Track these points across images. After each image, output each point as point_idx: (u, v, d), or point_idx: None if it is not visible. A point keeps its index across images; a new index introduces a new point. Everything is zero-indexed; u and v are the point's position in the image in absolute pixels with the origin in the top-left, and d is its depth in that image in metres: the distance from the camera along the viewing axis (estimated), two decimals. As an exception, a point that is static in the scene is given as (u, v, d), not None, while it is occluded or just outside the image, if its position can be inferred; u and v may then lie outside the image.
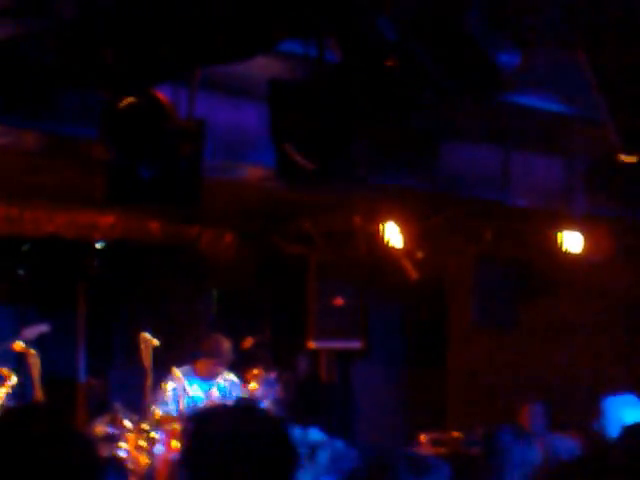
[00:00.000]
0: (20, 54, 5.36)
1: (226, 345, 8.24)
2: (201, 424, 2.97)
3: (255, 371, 8.49)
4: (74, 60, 5.00)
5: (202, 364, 8.23)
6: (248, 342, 8.97)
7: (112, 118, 5.21)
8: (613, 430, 4.81)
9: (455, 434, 9.01)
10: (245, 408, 3.17)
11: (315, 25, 5.14)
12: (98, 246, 9.09)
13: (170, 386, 8.16)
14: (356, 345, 9.96)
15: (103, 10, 4.81)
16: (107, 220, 8.75)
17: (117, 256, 9.34)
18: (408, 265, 9.53)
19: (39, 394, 7.23)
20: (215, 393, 8.24)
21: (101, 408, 8.43)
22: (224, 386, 8.28)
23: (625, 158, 5.40)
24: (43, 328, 7.82)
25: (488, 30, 5.22)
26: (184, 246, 9.32)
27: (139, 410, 8.00)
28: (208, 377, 8.24)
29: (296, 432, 6.09)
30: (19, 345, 7.47)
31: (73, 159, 7.23)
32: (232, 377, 8.33)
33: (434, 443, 8.82)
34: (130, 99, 5.14)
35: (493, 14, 5.16)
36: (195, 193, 5.70)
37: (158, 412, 7.95)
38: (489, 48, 5.21)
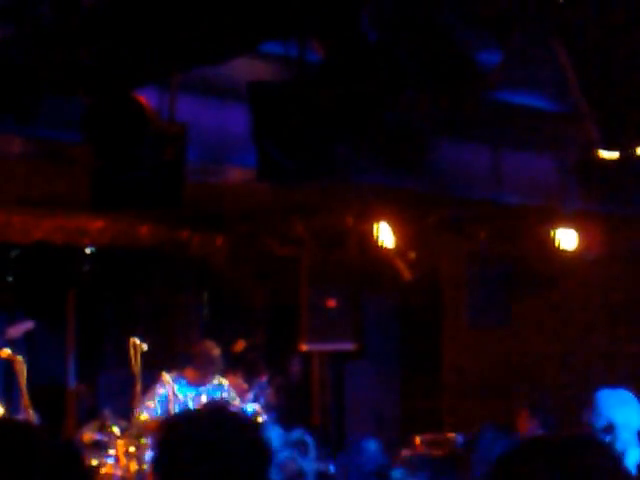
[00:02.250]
0: (2, 58, 5.30)
1: (216, 351, 8.18)
2: (171, 429, 2.96)
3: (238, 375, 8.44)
4: (53, 64, 4.95)
5: (192, 370, 8.18)
6: (240, 345, 8.92)
7: (94, 122, 5.17)
8: (602, 424, 4.78)
9: (450, 435, 8.96)
10: (215, 411, 3.14)
11: (296, 25, 5.09)
12: (87, 251, 9.04)
13: (159, 391, 8.11)
14: (349, 347, 9.90)
15: (82, 14, 4.76)
16: (96, 225, 8.69)
17: (107, 261, 9.29)
18: (401, 265, 9.48)
19: (26, 401, 7.17)
20: (205, 399, 8.18)
21: (90, 414, 8.38)
22: (214, 392, 8.22)
23: (605, 154, 5.36)
24: (28, 325, 7.75)
25: (467, 28, 5.17)
26: (174, 250, 9.27)
27: (128, 416, 7.94)
28: (198, 383, 8.18)
29: (282, 434, 6.06)
30: (5, 352, 7.41)
31: (60, 164, 7.19)
32: (223, 382, 8.27)
33: (429, 444, 8.76)
34: (111, 103, 5.09)
35: (471, 12, 5.12)
36: (177, 196, 5.66)
37: (145, 416, 7.89)
38: (468, 46, 5.17)
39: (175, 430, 2.94)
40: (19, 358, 7.26)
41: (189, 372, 8.16)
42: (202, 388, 8.16)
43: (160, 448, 2.95)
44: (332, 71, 5.14)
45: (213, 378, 8.16)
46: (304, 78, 5.18)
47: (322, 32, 5.07)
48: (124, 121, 5.22)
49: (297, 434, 6.27)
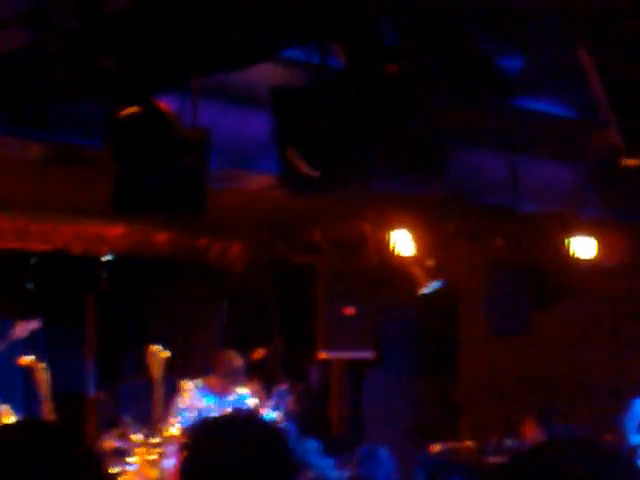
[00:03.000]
0: (24, 65, 5.33)
1: (238, 361, 8.17)
2: (197, 435, 2.97)
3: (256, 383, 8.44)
4: (77, 70, 4.97)
5: (214, 380, 8.16)
6: (259, 353, 8.91)
7: (116, 128, 5.18)
8: (632, 429, 4.79)
9: (468, 443, 8.93)
10: (241, 418, 3.15)
11: (318, 31, 5.10)
12: (106, 258, 9.04)
13: (181, 398, 8.11)
14: (367, 355, 9.89)
15: (105, 20, 4.78)
16: (114, 232, 8.70)
17: (125, 268, 9.29)
18: (419, 273, 9.47)
19: (48, 408, 7.17)
20: (228, 408, 8.16)
21: (110, 422, 8.38)
22: (237, 401, 8.21)
23: (628, 161, 5.35)
24: (34, 324, 7.71)
25: (489, 34, 5.18)
26: (192, 258, 9.26)
27: (149, 424, 7.94)
28: (221, 393, 8.17)
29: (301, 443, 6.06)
30: (27, 359, 7.42)
31: (78, 170, 7.21)
32: (245, 391, 8.26)
33: (448, 452, 8.74)
34: (133, 109, 5.11)
35: (495, 18, 5.12)
36: (200, 202, 5.67)
37: (167, 426, 7.90)
38: (490, 51, 5.17)
39: (202, 436, 2.95)
40: (41, 365, 7.27)
41: (212, 381, 8.15)
42: (226, 398, 8.15)
43: (186, 454, 2.96)
44: (354, 77, 5.15)
45: (236, 388, 8.15)
46: (326, 84, 5.19)
47: (343, 38, 5.08)
48: (146, 127, 5.23)
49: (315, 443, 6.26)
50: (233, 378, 8.09)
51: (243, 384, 8.20)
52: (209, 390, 8.13)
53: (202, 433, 2.97)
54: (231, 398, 8.15)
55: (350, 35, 5.16)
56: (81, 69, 4.96)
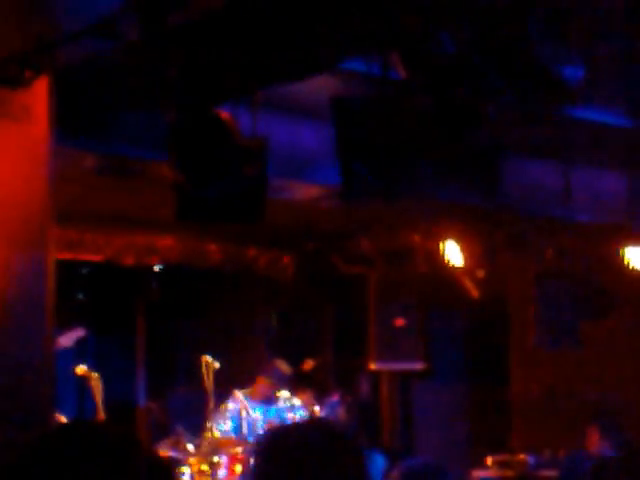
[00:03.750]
0: (86, 76, 5.35)
1: (284, 368, 8.16)
2: (273, 442, 2.94)
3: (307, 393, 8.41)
4: (139, 80, 4.98)
5: (260, 387, 8.16)
6: (309, 364, 8.88)
7: (178, 138, 5.18)
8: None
9: (521, 456, 8.83)
10: (317, 424, 3.14)
11: (377, 42, 5.07)
12: (157, 269, 9.05)
13: (230, 408, 8.10)
14: (418, 366, 9.82)
15: (168, 32, 4.77)
16: (165, 243, 8.71)
17: (176, 279, 9.29)
18: (469, 284, 9.39)
19: (102, 418, 7.16)
20: (274, 416, 8.15)
21: (161, 432, 8.37)
22: (282, 409, 8.19)
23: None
24: (79, 333, 7.69)
25: (551, 43, 5.12)
26: (242, 268, 9.25)
27: (200, 433, 7.93)
28: (266, 400, 8.16)
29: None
30: (81, 369, 7.42)
31: (131, 181, 7.22)
32: (292, 400, 8.24)
33: (500, 465, 8.65)
34: (195, 119, 5.11)
35: (556, 28, 5.06)
36: (260, 211, 5.67)
37: (217, 434, 7.89)
38: (553, 61, 5.12)
39: (278, 442, 2.93)
40: (95, 375, 7.27)
41: (257, 389, 8.14)
42: (271, 405, 8.14)
43: (262, 460, 2.94)
44: (415, 88, 5.11)
45: (282, 394, 8.14)
46: (388, 94, 5.16)
47: (403, 49, 5.04)
48: (208, 136, 5.23)
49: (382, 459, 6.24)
50: (278, 384, 8.08)
51: (291, 392, 8.19)
52: (255, 399, 8.12)
53: (277, 442, 2.94)
54: (278, 406, 8.14)
55: (410, 46, 5.12)
56: (144, 80, 4.95)
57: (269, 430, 3.30)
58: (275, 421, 8.07)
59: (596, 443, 8.40)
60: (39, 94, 5.18)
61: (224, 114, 5.39)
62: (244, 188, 5.56)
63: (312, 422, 3.54)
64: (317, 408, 8.33)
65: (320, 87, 5.83)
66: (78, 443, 2.43)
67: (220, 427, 8.00)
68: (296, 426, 3.34)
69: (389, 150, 5.29)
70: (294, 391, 8.23)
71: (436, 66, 4.88)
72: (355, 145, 5.26)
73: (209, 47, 5.12)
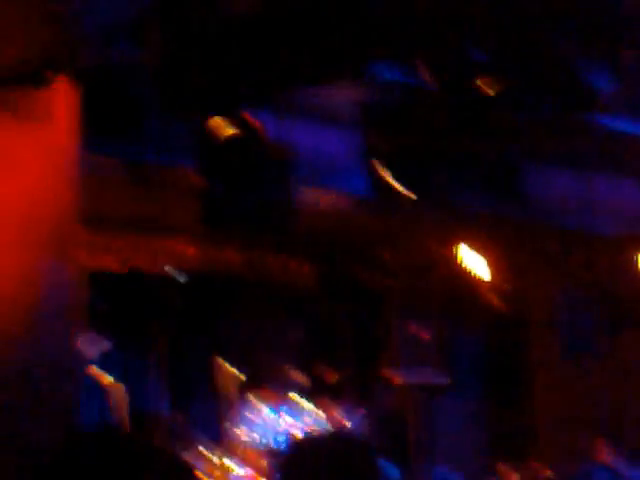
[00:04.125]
0: (116, 82, 5.35)
1: (294, 374, 8.19)
2: (297, 453, 2.96)
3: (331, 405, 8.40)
4: (165, 85, 4.98)
5: (270, 392, 8.19)
6: (332, 376, 8.86)
7: (206, 146, 5.19)
8: None
9: (536, 464, 8.79)
10: (339, 436, 3.15)
11: (405, 50, 5.06)
12: (180, 278, 9.03)
13: (249, 415, 8.10)
14: (441, 380, 9.77)
15: (192, 37, 4.78)
16: (188, 251, 8.69)
17: (199, 287, 9.28)
18: (491, 296, 9.35)
19: (127, 428, 7.15)
20: (290, 420, 8.15)
21: (185, 442, 8.35)
22: (298, 414, 8.20)
23: None
24: (103, 346, 7.68)
25: (583, 54, 5.11)
26: (265, 276, 9.23)
27: (223, 443, 7.92)
28: (281, 406, 8.18)
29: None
30: (106, 379, 7.41)
31: (154, 189, 7.22)
32: (321, 415, 8.23)
33: (516, 473, 8.61)
34: (224, 127, 5.12)
35: (588, 38, 5.05)
36: (287, 219, 5.68)
37: (239, 443, 7.90)
38: (583, 71, 5.10)
39: (302, 453, 2.94)
40: (120, 386, 7.26)
41: (267, 394, 8.16)
42: (286, 412, 8.15)
43: (287, 471, 2.95)
44: (444, 96, 5.10)
45: (293, 400, 8.16)
46: (416, 102, 5.16)
47: (431, 56, 5.03)
48: (237, 144, 5.24)
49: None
50: (288, 389, 8.12)
51: (314, 404, 8.19)
52: (270, 405, 8.13)
53: (301, 452, 2.95)
54: (293, 411, 8.15)
55: (438, 54, 5.12)
56: (171, 86, 4.96)
57: (292, 442, 3.33)
58: (292, 426, 8.08)
59: (604, 456, 8.36)
60: (63, 98, 5.16)
61: (253, 121, 5.39)
62: (271, 195, 5.57)
63: (334, 434, 3.55)
64: (339, 420, 8.30)
65: (344, 94, 5.83)
66: (106, 449, 2.47)
67: (242, 435, 8.00)
68: (319, 438, 3.36)
69: (416, 157, 5.30)
70: (317, 402, 8.21)
71: (463, 73, 4.88)
72: (383, 152, 5.26)
73: (235, 52, 5.12)
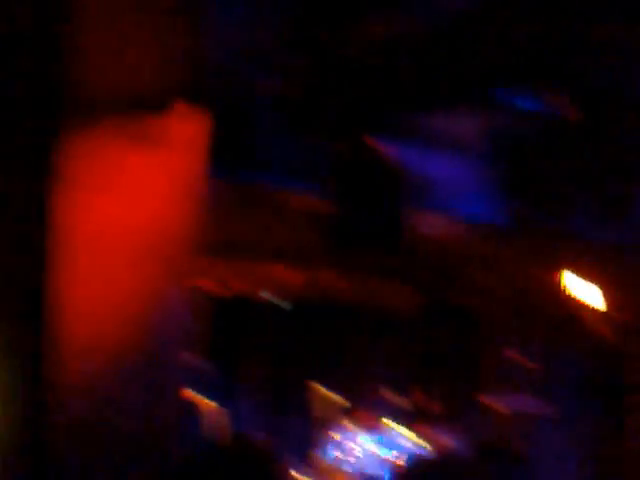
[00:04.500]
0: (228, 107, 5.31)
1: (391, 399, 8.11)
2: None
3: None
4: (299, 110, 4.93)
5: (366, 417, 8.12)
6: (419, 396, 8.75)
7: (335, 168, 5.14)
8: None
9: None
10: (436, 462, 3.17)
11: (546, 79, 4.95)
12: (281, 303, 9.01)
13: (340, 438, 8.04)
14: (541, 406, 9.60)
15: (330, 63, 4.74)
16: (292, 276, 8.63)
17: (299, 312, 9.25)
18: (594, 322, 9.14)
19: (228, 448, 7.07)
20: (383, 446, 8.08)
21: (278, 466, 8.27)
22: (390, 439, 8.11)
23: None
24: (204, 368, 7.61)
25: None
26: (363, 299, 9.15)
27: (316, 468, 7.88)
28: (374, 430, 8.11)
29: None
30: (205, 402, 7.38)
31: (262, 212, 7.17)
32: (400, 430, 8.15)
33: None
34: (352, 150, 5.06)
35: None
36: (401, 241, 5.63)
37: (333, 469, 7.85)
38: None
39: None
40: (220, 408, 7.23)
41: (363, 417, 8.10)
42: (376, 434, 8.08)
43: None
44: (580, 126, 4.97)
45: (387, 424, 8.08)
46: (548, 132, 5.04)
47: (572, 85, 4.91)
48: (362, 166, 5.19)
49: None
50: (386, 416, 8.03)
51: (406, 426, 8.11)
52: (363, 428, 8.08)
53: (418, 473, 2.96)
54: (386, 436, 8.07)
55: (572, 82, 4.99)
56: (306, 111, 4.89)
57: (393, 468, 3.34)
58: (384, 452, 8.01)
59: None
60: (191, 125, 5.13)
61: (376, 144, 5.33)
62: (388, 218, 5.52)
63: (431, 459, 3.53)
64: (441, 445, 8.19)
65: (470, 120, 5.72)
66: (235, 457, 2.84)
67: (337, 460, 7.94)
68: (420, 463, 3.38)
69: (546, 186, 5.17)
70: (414, 428, 8.13)
71: (608, 104, 4.74)
72: (513, 180, 5.14)
73: (361, 77, 5.06)
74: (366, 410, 8.14)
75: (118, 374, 4.91)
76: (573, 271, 8.75)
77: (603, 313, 8.99)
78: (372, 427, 7.99)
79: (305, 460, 7.97)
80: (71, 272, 4.63)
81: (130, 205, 4.87)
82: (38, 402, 4.62)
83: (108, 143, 4.64)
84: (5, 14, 4.48)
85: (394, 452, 7.90)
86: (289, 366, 9.42)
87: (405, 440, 8.00)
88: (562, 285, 8.80)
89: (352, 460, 7.90)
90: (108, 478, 4.68)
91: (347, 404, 8.35)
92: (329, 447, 7.81)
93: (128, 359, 4.95)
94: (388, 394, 8.14)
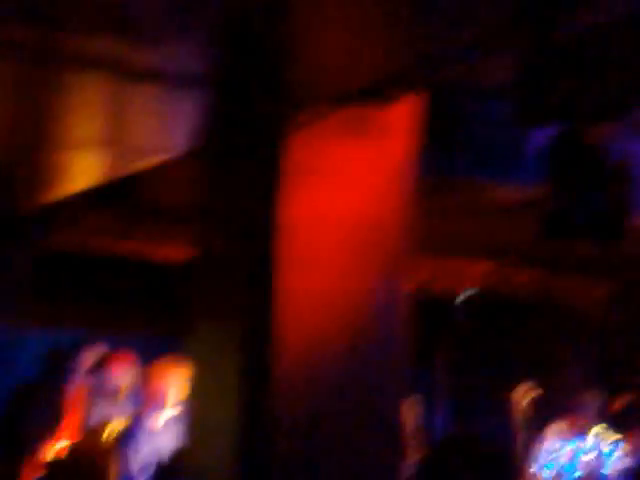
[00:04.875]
0: (454, 93, 5.11)
1: (595, 400, 7.76)
2: None
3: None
4: (526, 97, 4.69)
5: (570, 421, 7.80)
6: (620, 402, 8.37)
7: (553, 160, 4.89)
8: None
9: None
10: None
11: None
12: (464, 297, 8.80)
13: (547, 447, 7.74)
14: None
15: (556, 45, 4.48)
16: (475, 270, 8.43)
17: (483, 306, 9.02)
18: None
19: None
20: (589, 453, 7.74)
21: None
22: (596, 446, 7.75)
23: None
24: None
25: None
26: (554, 297, 8.87)
27: (517, 474, 7.58)
28: (579, 436, 7.77)
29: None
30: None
31: (449, 204, 6.97)
32: (607, 434, 7.78)
33: None
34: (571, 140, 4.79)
35: None
36: (621, 229, 5.32)
37: (530, 475, 7.58)
38: None
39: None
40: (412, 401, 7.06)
41: (571, 424, 7.79)
42: (580, 440, 7.76)
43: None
44: None
45: (593, 429, 7.75)
46: None
47: None
48: (579, 156, 4.93)
49: None
50: (586, 416, 7.71)
51: (619, 433, 7.74)
52: (567, 434, 7.75)
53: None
54: (591, 442, 7.73)
55: None
56: (533, 97, 4.66)
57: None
58: (590, 459, 7.67)
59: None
60: (404, 111, 4.93)
61: (594, 133, 5.05)
62: (608, 207, 5.22)
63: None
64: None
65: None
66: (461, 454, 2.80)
67: (535, 467, 7.67)
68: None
69: None
70: (621, 431, 7.76)
71: None
72: None
73: (589, 63, 4.78)
74: (566, 412, 7.82)
75: (337, 373, 4.80)
76: None
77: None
78: (574, 431, 7.66)
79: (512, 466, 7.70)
80: (294, 266, 4.53)
81: (352, 198, 4.75)
82: (262, 401, 4.53)
83: (332, 136, 4.52)
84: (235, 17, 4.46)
85: (601, 459, 7.56)
86: (489, 367, 9.21)
87: (612, 446, 7.64)
88: None
89: (551, 467, 7.59)
90: (333, 476, 4.58)
91: (544, 406, 8.07)
92: (525, 453, 7.54)
93: (346, 358, 4.83)
94: (590, 396, 7.77)
